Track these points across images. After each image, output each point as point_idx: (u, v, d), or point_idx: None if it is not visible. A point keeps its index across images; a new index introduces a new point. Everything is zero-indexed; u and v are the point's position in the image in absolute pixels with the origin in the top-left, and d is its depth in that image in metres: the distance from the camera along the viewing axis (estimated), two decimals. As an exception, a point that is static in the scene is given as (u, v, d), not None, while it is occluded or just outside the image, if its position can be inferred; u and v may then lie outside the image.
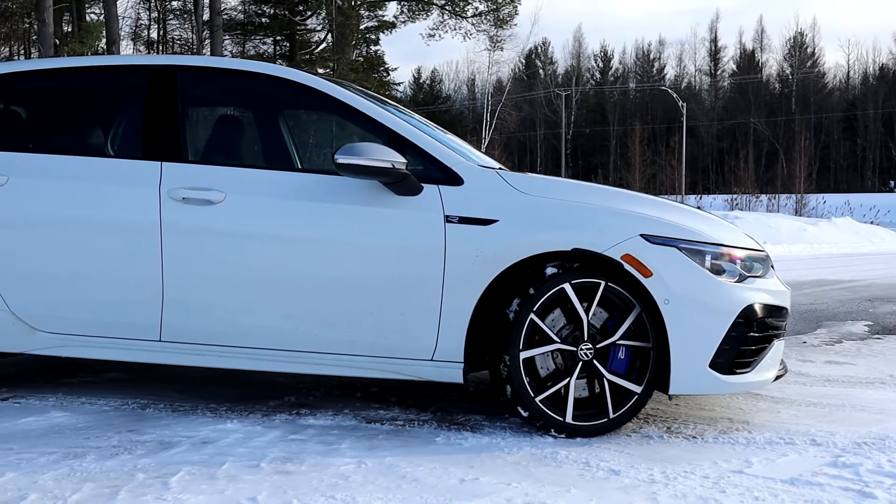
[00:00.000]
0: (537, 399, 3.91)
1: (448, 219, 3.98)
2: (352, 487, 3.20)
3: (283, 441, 3.79)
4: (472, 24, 32.74)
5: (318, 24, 37.10)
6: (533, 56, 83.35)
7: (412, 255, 4.00)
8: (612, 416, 3.94)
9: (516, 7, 32.23)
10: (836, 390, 4.95)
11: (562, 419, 3.92)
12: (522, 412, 3.93)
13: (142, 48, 41.89)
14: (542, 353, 3.95)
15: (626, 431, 4.01)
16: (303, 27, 36.97)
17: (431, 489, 3.19)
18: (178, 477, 3.29)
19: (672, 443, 3.88)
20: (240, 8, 37.68)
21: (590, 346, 3.94)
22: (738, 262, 4.02)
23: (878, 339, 6.85)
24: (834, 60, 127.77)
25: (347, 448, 3.70)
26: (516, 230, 3.95)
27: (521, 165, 68.37)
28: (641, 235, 3.91)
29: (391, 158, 3.92)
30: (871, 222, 29.34)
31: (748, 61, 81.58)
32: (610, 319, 4.01)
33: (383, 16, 36.66)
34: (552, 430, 3.92)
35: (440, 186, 4.04)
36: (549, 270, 3.94)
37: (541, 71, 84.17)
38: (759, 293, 4.01)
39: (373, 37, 37.05)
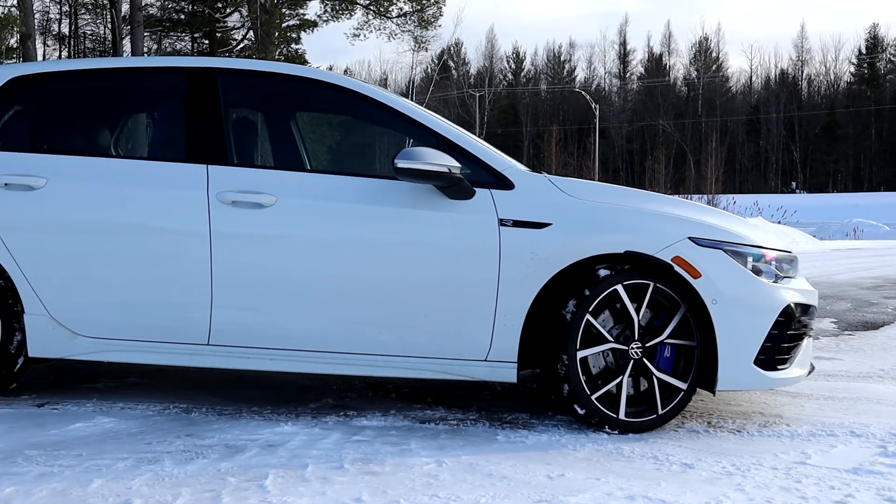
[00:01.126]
0: (593, 397, 4.02)
1: (502, 222, 4.07)
2: (446, 486, 3.27)
3: (350, 442, 3.83)
4: (397, 25, 32.78)
5: (239, 22, 36.60)
6: (446, 56, 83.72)
7: (467, 258, 4.08)
8: (660, 412, 4.09)
9: (441, 8, 32.40)
10: (842, 384, 5.20)
11: (615, 416, 4.05)
12: (579, 410, 4.04)
13: (51, 43, 40.67)
14: (596, 353, 4.07)
15: (671, 427, 4.16)
16: (223, 24, 36.40)
17: (527, 485, 3.28)
18: (270, 480, 3.30)
19: (720, 436, 4.04)
20: (157, 4, 36.88)
21: (639, 344, 4.07)
22: (773, 262, 4.21)
23: (850, 335, 7.19)
24: (738, 65, 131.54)
25: (418, 448, 3.76)
26: (569, 233, 4.07)
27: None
28: (689, 238, 4.07)
29: (447, 163, 4.00)
30: (779, 222, 30.48)
31: (656, 65, 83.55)
32: (655, 319, 4.15)
33: (304, 14, 36.37)
34: (606, 427, 4.05)
35: (492, 190, 4.13)
36: (602, 272, 4.06)
37: (454, 71, 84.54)
38: (794, 293, 4.21)
39: (294, 35, 36.69)
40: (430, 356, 4.14)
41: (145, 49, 29.93)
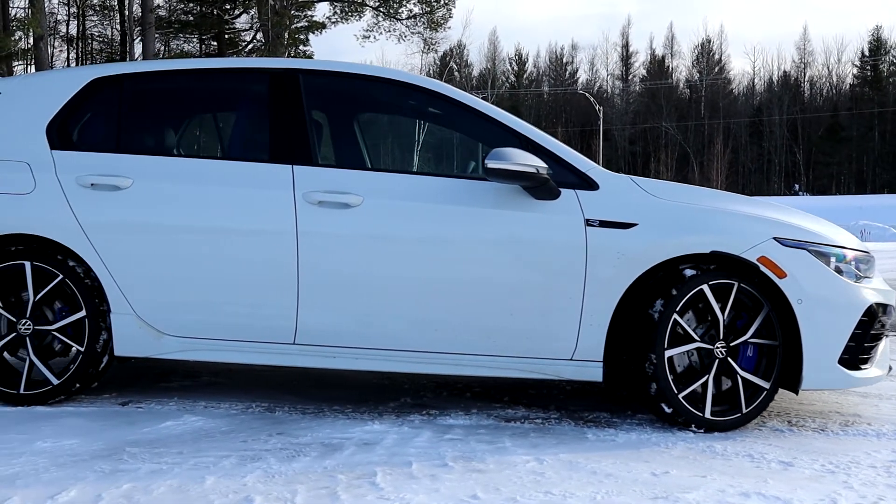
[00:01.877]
0: (680, 396, 4.06)
1: (589, 222, 4.11)
2: (555, 483, 3.30)
3: (443, 441, 3.86)
4: (407, 27, 32.83)
5: (247, 24, 36.69)
6: (448, 58, 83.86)
7: (554, 258, 4.11)
8: (744, 411, 4.12)
9: (450, 10, 32.48)
10: (905, 384, 5.24)
11: (701, 415, 4.08)
12: (666, 408, 4.07)
13: (59, 44, 40.73)
14: (682, 352, 4.11)
15: (753, 426, 4.20)
16: (231, 26, 36.49)
17: (635, 482, 3.31)
18: (380, 477, 3.33)
19: (806, 435, 4.08)
20: (164, 5, 36.96)
21: (724, 344, 4.11)
22: (853, 263, 4.25)
23: (896, 335, 7.22)
24: (740, 67, 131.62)
25: (513, 446, 3.79)
26: (656, 233, 4.10)
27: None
28: (774, 238, 4.10)
29: (536, 164, 4.03)
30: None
31: (658, 67, 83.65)
32: (737, 318, 4.18)
33: (313, 16, 36.45)
34: (692, 426, 4.08)
35: (577, 191, 4.17)
36: (688, 272, 4.09)
37: (456, 73, 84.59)
38: (875, 292, 4.25)
39: (302, 37, 36.76)
40: (516, 356, 4.18)
41: (154, 51, 29.95)
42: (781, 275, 4.07)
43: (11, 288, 4.39)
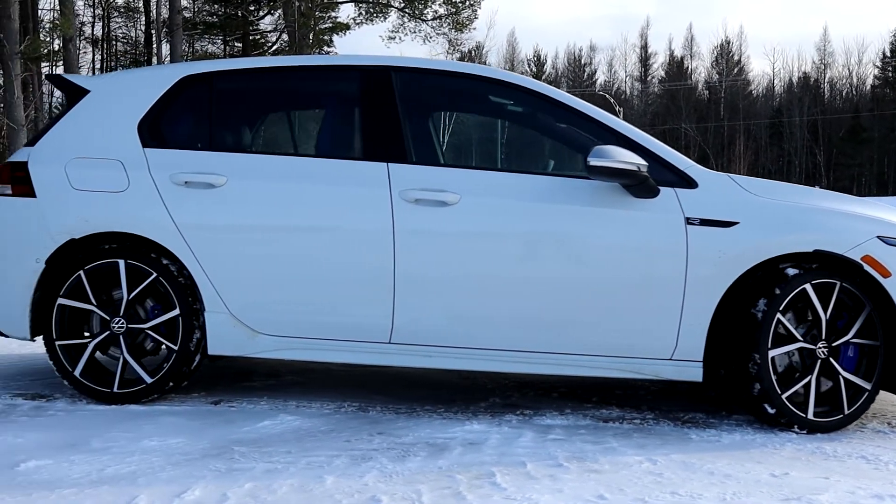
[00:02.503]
0: (783, 396, 4.01)
1: (689, 221, 4.06)
2: (677, 483, 3.26)
3: (549, 441, 3.82)
4: (432, 28, 32.82)
5: (271, 25, 36.77)
6: (467, 60, 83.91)
7: (654, 256, 4.07)
8: (846, 412, 4.07)
9: (476, 11, 32.44)
10: None
11: (804, 416, 4.03)
12: (769, 409, 4.02)
13: (84, 46, 40.89)
14: (784, 352, 4.06)
15: (853, 428, 4.14)
16: (256, 28, 36.58)
17: (758, 483, 3.27)
18: (500, 478, 3.30)
19: (911, 437, 4.03)
20: (189, 7, 37.08)
21: (826, 344, 4.06)
22: None
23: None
24: (760, 68, 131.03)
25: (620, 447, 3.75)
26: (758, 232, 4.05)
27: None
28: (879, 237, 4.05)
29: (637, 161, 4.00)
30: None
31: (678, 68, 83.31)
32: (838, 318, 4.13)
33: (337, 17, 36.47)
34: (795, 427, 4.03)
35: (676, 189, 4.12)
36: (791, 271, 4.04)
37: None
38: None
39: (327, 38, 36.81)
40: (615, 355, 4.14)
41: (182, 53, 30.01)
42: (886, 274, 4.02)
43: (103, 286, 4.39)
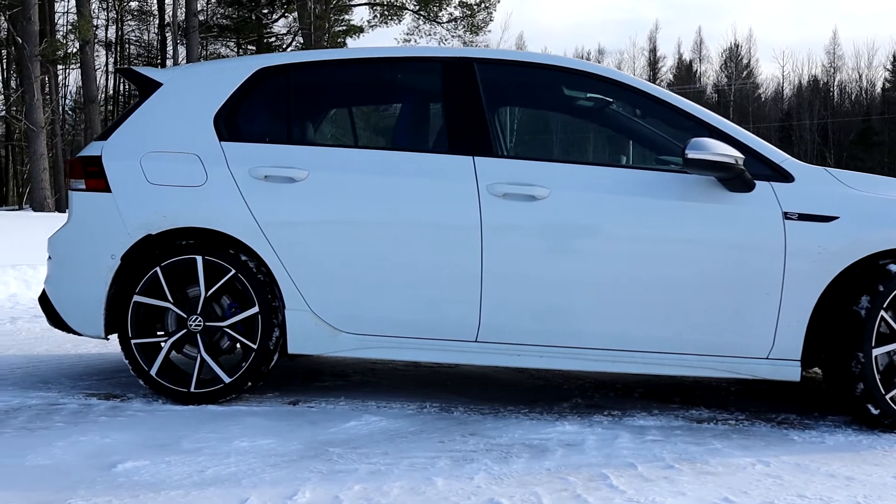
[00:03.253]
0: (888, 396, 3.89)
1: (787, 215, 3.94)
2: (800, 486, 3.14)
3: (649, 442, 3.70)
4: (447, 30, 32.73)
5: (285, 27, 36.73)
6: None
7: (751, 252, 3.95)
8: (952, 413, 3.94)
9: (491, 13, 32.35)
10: None
11: (908, 416, 3.90)
12: (872, 410, 3.90)
13: (97, 48, 40.86)
14: (886, 351, 3.93)
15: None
16: (269, 30, 36.53)
17: (884, 486, 3.16)
18: (614, 480, 3.19)
19: None
20: (202, 9, 37.03)
21: (927, 343, 3.93)
22: None
23: None
24: (769, 72, 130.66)
25: (724, 448, 3.63)
26: (859, 227, 3.93)
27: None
28: None
29: (735, 154, 3.88)
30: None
31: (686, 71, 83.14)
32: (934, 317, 4.00)
33: (350, 20, 36.42)
34: (898, 428, 3.91)
35: (772, 183, 4.01)
36: (893, 267, 3.92)
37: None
38: None
39: (340, 41, 36.74)
40: (709, 354, 4.02)
41: (198, 55, 29.94)
42: None
43: (177, 283, 4.28)
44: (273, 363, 4.26)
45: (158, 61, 38.12)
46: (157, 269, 4.23)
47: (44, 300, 4.47)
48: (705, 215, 3.98)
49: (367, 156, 4.24)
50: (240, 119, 4.39)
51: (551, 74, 4.37)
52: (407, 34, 33.19)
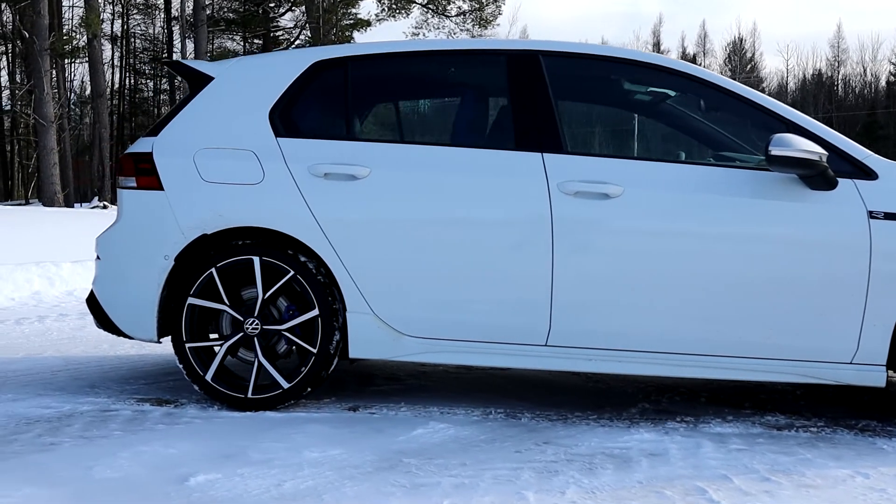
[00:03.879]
0: (978, 403, 3.73)
1: (872, 214, 3.78)
2: (910, 501, 2.99)
3: (735, 451, 3.55)
4: (456, 24, 32.53)
5: (292, 21, 36.55)
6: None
7: (834, 252, 3.80)
8: None
9: (500, 7, 32.16)
10: None
11: None
12: (963, 417, 3.75)
13: (103, 42, 40.66)
14: (976, 355, 3.78)
15: None
16: (276, 24, 36.35)
17: None
18: (712, 493, 3.04)
19: None
20: (209, 3, 36.85)
21: None
22: None
23: None
24: (773, 66, 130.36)
25: (816, 458, 3.47)
26: (948, 227, 3.77)
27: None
28: None
29: (818, 150, 3.72)
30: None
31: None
32: None
33: (357, 13, 36.22)
34: None
35: (854, 181, 3.84)
36: (984, 269, 3.76)
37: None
38: None
39: (348, 34, 36.55)
40: (789, 358, 3.86)
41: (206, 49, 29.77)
42: None
43: (231, 285, 4.12)
44: (332, 368, 4.10)
45: (164, 55, 37.94)
46: (213, 270, 4.07)
47: (92, 302, 4.32)
48: (786, 214, 3.82)
49: (431, 152, 4.08)
50: (296, 114, 4.23)
51: (621, 68, 4.21)
52: (415, 28, 32.97)
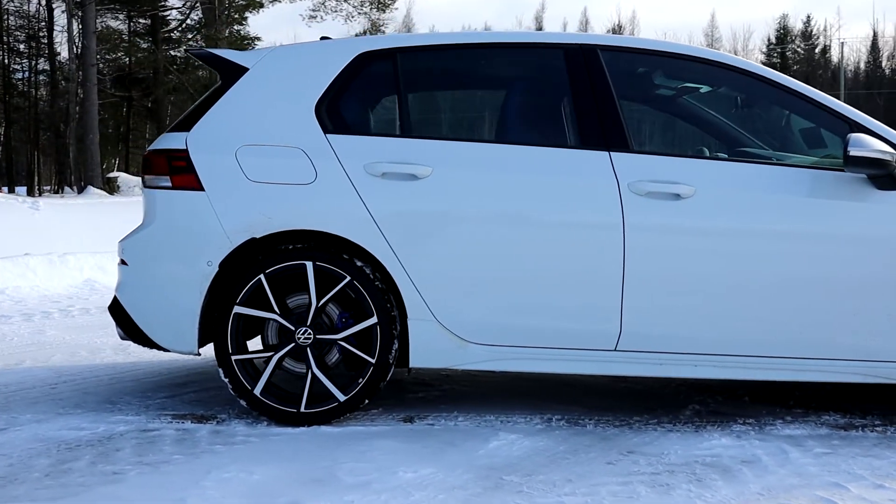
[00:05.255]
0: None
1: (934, 213, 3.80)
2: None
3: (822, 455, 3.50)
4: (354, 7, 32.03)
5: (181, 1, 35.36)
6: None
7: (904, 252, 3.80)
8: None
9: (398, -10, 31.78)
10: None
11: None
12: None
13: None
14: None
15: None
16: (164, 4, 35.09)
17: None
18: (858, 490, 2.98)
19: None
20: (92, -20, 35.23)
21: None
22: None
23: None
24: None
25: (906, 460, 3.47)
26: None
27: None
28: None
29: (891, 150, 3.71)
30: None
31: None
32: None
33: (249, -6, 35.26)
34: None
35: (917, 181, 3.85)
36: None
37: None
38: None
39: (236, 16, 35.59)
40: (857, 359, 3.84)
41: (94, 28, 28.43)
42: None
43: (281, 292, 3.86)
44: (388, 378, 3.89)
45: (43, 35, 36.11)
46: (262, 276, 3.79)
47: (117, 310, 3.98)
48: (860, 213, 3.80)
49: (493, 150, 3.90)
50: (343, 109, 3.98)
51: (681, 64, 4.10)
52: (312, 10, 32.31)
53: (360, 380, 3.82)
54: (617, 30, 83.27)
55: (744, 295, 3.78)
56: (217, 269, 3.80)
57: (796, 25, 76.24)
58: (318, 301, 3.80)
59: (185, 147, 3.89)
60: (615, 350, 3.83)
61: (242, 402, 3.85)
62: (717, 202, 3.79)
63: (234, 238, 3.79)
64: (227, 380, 3.84)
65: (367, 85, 4.05)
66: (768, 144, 4.28)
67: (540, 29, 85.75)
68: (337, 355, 3.90)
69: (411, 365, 3.85)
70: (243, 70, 4.04)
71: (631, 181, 3.77)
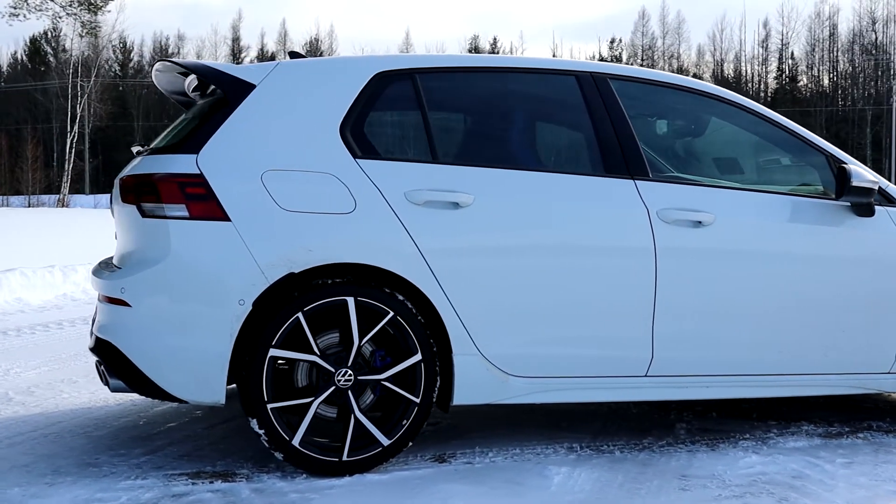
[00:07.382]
0: None
1: (902, 237, 4.20)
2: None
3: (857, 465, 3.75)
4: (62, 7, 29.79)
5: None
6: (42, 41, 77.82)
7: (881, 272, 4.15)
8: None
9: (110, -8, 29.99)
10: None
11: None
12: None
13: None
14: None
15: None
16: None
17: None
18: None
19: None
20: None
21: None
22: None
23: None
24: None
25: (916, 469, 3.79)
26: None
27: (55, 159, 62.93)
28: None
29: (878, 180, 4.07)
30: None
31: (270, 61, 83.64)
32: None
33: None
34: None
35: (886, 208, 4.23)
36: None
37: (52, 59, 78.10)
38: None
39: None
40: (843, 372, 4.15)
41: None
42: None
43: (314, 330, 3.53)
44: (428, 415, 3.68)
45: None
46: (300, 314, 3.45)
47: (112, 358, 3.46)
48: (854, 239, 4.11)
49: (532, 179, 3.78)
50: (368, 132, 3.72)
51: (681, 95, 4.22)
52: (13, 7, 29.65)
53: (405, 421, 3.58)
54: (315, 42, 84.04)
55: (758, 318, 3.97)
56: (251, 307, 3.41)
57: (486, 46, 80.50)
58: (360, 339, 3.52)
59: (198, 171, 3.45)
60: (645, 376, 3.88)
61: (279, 455, 3.47)
62: (738, 229, 3.95)
63: (270, 273, 3.41)
64: (261, 431, 3.44)
65: (389, 107, 3.82)
66: (756, 174, 4.52)
67: (237, 38, 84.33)
68: (371, 397, 3.62)
69: (455, 402, 3.67)
70: (250, 87, 3.66)
71: (659, 209, 3.84)
